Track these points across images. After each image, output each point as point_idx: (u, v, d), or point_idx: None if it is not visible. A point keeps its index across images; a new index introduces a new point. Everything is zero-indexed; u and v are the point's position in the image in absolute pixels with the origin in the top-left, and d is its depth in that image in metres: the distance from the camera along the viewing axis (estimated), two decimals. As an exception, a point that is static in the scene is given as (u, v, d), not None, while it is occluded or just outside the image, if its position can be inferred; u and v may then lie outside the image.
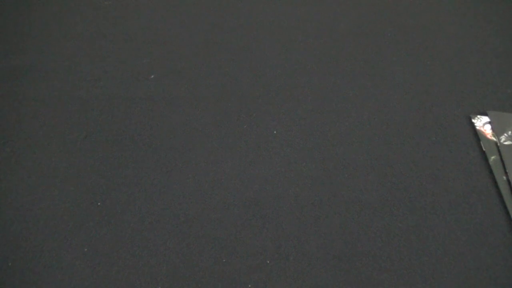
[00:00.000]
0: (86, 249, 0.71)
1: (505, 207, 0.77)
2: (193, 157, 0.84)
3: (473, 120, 0.91)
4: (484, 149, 0.85)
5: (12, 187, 0.79)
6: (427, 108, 0.94)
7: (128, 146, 0.86)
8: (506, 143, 0.86)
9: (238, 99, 0.96)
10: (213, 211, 0.76)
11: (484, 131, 0.89)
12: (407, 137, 0.89)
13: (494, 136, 0.88)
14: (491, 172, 0.82)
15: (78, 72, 1.01)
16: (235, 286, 0.67)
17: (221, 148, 0.86)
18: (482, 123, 0.90)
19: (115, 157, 0.84)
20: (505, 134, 0.87)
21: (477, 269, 0.69)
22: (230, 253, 0.71)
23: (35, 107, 0.93)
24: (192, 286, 0.67)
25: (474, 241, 0.72)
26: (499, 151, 0.85)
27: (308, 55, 1.07)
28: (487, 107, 0.94)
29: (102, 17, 1.17)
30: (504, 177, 0.80)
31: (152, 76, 1.01)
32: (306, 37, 1.12)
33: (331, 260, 0.70)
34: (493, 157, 0.84)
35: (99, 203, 0.77)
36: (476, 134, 0.89)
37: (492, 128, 0.89)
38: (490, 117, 0.91)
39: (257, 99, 0.96)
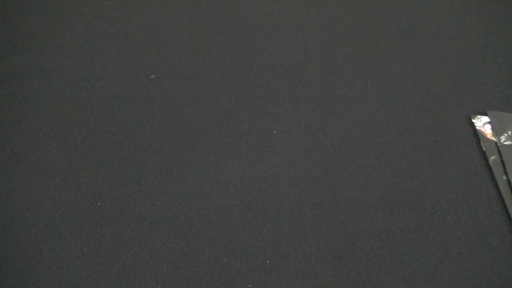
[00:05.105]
0: (86, 249, 0.71)
1: (505, 207, 0.77)
2: (193, 157, 0.84)
3: (473, 120, 0.91)
4: (484, 149, 0.85)
5: (12, 187, 0.79)
6: (427, 108, 0.94)
7: (128, 146, 0.86)
8: (506, 143, 0.86)
9: (238, 99, 0.96)
10: (213, 211, 0.76)
11: (484, 131, 0.89)
12: (407, 137, 0.89)
13: (494, 136, 0.88)
14: (491, 172, 0.82)
15: (78, 72, 1.01)
16: (235, 286, 0.67)
17: (221, 148, 0.86)
18: (482, 123, 0.90)
19: (115, 157, 0.84)
20: (505, 134, 0.87)
21: (477, 269, 0.69)
22: (230, 253, 0.71)
23: (35, 107, 0.93)
24: (192, 286, 0.67)
25: (474, 241, 0.72)
26: (499, 151, 0.85)
27: (308, 55, 1.07)
28: (487, 107, 0.94)
29: (102, 17, 1.17)
30: (504, 177, 0.80)
31: (152, 76, 1.01)
32: (306, 37, 1.12)
33: (331, 260, 0.70)
34: (493, 157, 0.84)
35: (99, 203, 0.77)
36: (476, 134, 0.89)
37: (492, 128, 0.89)
38: (490, 117, 0.91)
39: (257, 99, 0.96)
